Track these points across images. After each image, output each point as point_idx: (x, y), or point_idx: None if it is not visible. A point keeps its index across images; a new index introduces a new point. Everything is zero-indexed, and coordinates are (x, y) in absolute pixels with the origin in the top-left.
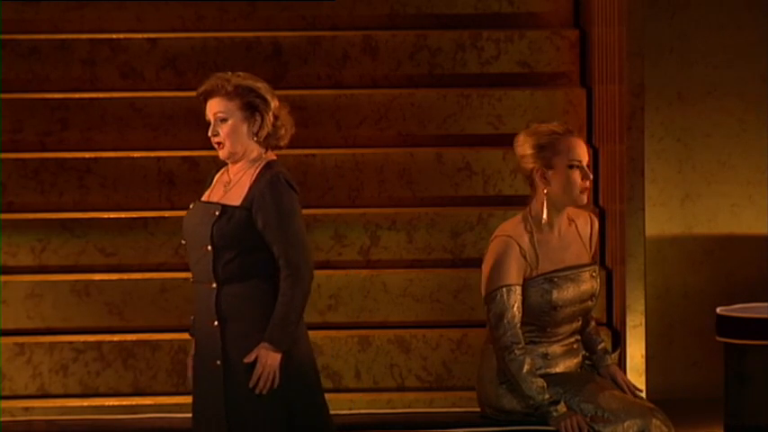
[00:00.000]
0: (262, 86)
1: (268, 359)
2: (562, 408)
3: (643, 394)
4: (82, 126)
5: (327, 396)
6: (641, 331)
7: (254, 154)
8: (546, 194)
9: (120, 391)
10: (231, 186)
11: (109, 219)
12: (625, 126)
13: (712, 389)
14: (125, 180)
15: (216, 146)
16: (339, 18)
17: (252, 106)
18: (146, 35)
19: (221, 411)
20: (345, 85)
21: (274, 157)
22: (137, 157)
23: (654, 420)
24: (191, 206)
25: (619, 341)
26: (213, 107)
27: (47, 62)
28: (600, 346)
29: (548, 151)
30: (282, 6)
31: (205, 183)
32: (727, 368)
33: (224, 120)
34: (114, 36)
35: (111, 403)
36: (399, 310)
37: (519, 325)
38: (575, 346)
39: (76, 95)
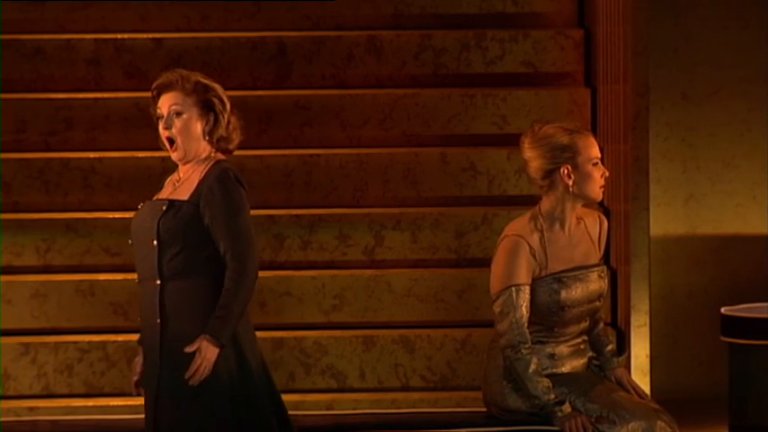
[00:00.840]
0: (218, 87)
1: (207, 352)
2: (567, 408)
3: (648, 393)
4: (86, 126)
5: (332, 396)
6: (646, 331)
7: (205, 154)
8: (570, 192)
9: (125, 391)
10: (180, 184)
11: (114, 219)
12: (630, 126)
13: (717, 389)
14: (130, 180)
15: (166, 143)
16: (344, 18)
17: (208, 105)
18: (150, 35)
19: (152, 409)
20: (350, 85)
21: (223, 157)
22: (141, 157)
23: (659, 422)
24: (139, 206)
25: (623, 341)
26: (169, 100)
27: (51, 62)
28: (608, 348)
29: (570, 151)
30: (287, 6)
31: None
32: (731, 368)
33: (179, 114)
34: (119, 36)
35: (115, 403)
36: (404, 309)
37: (526, 324)
38: (581, 346)
39: (81, 95)
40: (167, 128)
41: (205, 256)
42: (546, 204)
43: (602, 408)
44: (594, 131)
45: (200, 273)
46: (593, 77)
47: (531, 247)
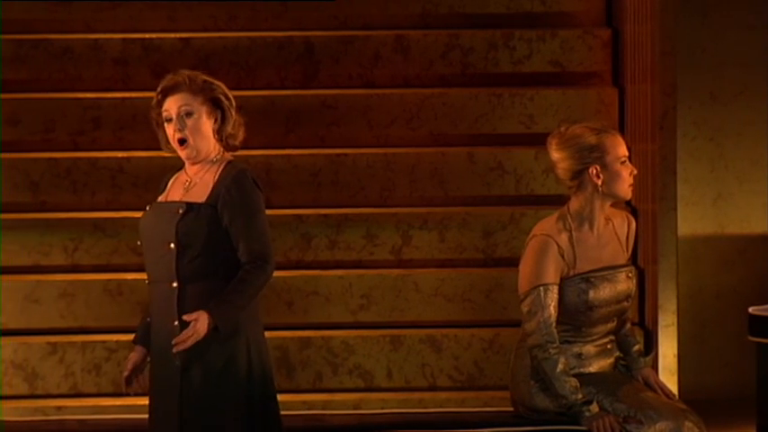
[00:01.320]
0: (223, 85)
1: (201, 326)
2: (594, 408)
3: (675, 393)
4: (114, 126)
5: (359, 396)
6: (673, 331)
7: (214, 154)
8: (600, 192)
9: None
10: (192, 186)
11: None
12: (657, 125)
13: (744, 389)
14: (157, 180)
15: (177, 144)
16: (371, 17)
17: (216, 103)
18: (178, 35)
19: (175, 412)
20: (377, 85)
21: (232, 158)
22: (168, 157)
23: (686, 422)
24: (147, 208)
25: (651, 341)
26: (178, 101)
27: (79, 62)
28: (635, 348)
29: (598, 151)
30: (314, 6)
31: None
32: (759, 368)
33: (189, 114)
34: (146, 36)
35: (143, 403)
36: (431, 309)
37: (554, 324)
38: (608, 346)
39: (109, 95)
40: (180, 129)
41: (223, 258)
42: (575, 204)
43: (630, 407)
44: (622, 131)
45: (218, 274)
46: (620, 77)
47: (559, 246)
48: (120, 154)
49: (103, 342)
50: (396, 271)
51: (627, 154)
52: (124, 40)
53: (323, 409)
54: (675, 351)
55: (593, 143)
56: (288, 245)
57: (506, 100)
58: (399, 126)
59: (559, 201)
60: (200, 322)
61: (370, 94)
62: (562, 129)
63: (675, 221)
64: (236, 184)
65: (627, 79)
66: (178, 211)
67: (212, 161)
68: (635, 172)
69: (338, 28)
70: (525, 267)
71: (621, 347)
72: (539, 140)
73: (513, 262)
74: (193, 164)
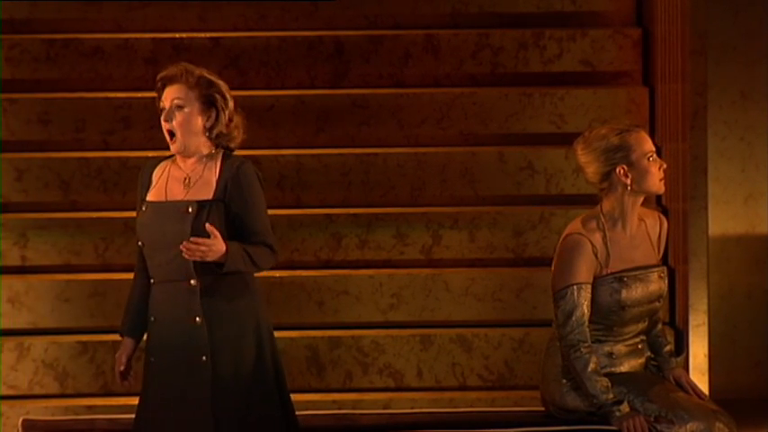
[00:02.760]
0: (222, 84)
1: (216, 251)
2: (625, 408)
3: (706, 394)
4: (144, 125)
5: (389, 395)
6: (704, 330)
7: (206, 150)
8: (630, 190)
9: None
10: (192, 182)
11: (154, 157)
12: (688, 125)
13: None
14: None
15: (166, 135)
16: (401, 17)
17: (210, 100)
18: (208, 34)
19: (206, 407)
20: (407, 84)
21: (224, 150)
22: None
23: (717, 423)
24: (143, 208)
25: (682, 341)
26: (172, 93)
27: (110, 61)
28: (666, 349)
29: (622, 150)
30: (345, 5)
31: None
32: None
33: (180, 107)
34: (177, 35)
35: None
36: (461, 309)
37: (587, 323)
38: (639, 346)
39: (139, 95)
40: (167, 120)
41: None
42: (606, 205)
43: (661, 408)
44: (653, 130)
45: None
46: (651, 76)
47: (593, 245)
48: (150, 153)
49: None
50: (426, 270)
51: (653, 149)
52: (154, 39)
53: (353, 408)
54: (706, 351)
55: (617, 143)
56: (318, 244)
57: (536, 99)
58: (430, 125)
59: (589, 200)
60: (217, 246)
61: (400, 94)
62: (586, 133)
63: (706, 221)
64: (243, 178)
65: (657, 78)
66: (188, 210)
67: (208, 156)
68: (665, 166)
69: (368, 27)
70: (558, 266)
71: (653, 348)
72: (569, 140)
73: (543, 261)
74: (186, 158)
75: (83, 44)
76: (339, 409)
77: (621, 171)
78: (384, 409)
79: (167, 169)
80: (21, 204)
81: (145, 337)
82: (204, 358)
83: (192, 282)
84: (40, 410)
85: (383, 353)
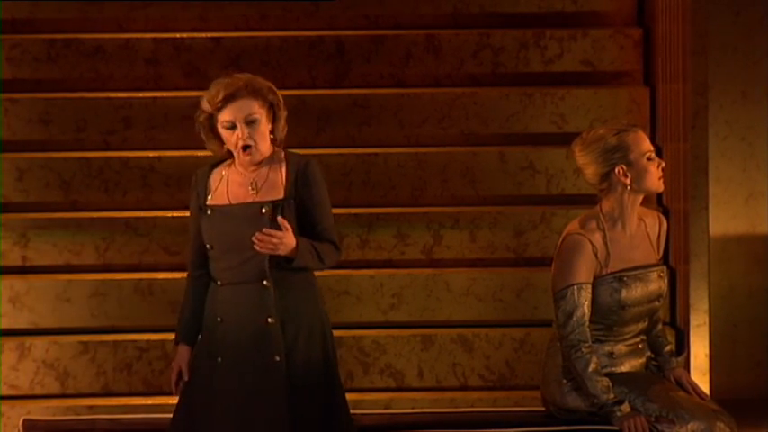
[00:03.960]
0: (273, 85)
1: (288, 245)
2: (626, 408)
3: (707, 393)
4: (145, 125)
5: (390, 395)
6: (705, 330)
7: (269, 152)
8: (630, 190)
9: None
10: (261, 185)
11: (172, 217)
12: (689, 125)
13: None
14: (188, 179)
15: (241, 149)
16: (402, 17)
17: (273, 106)
18: (209, 34)
19: (283, 407)
20: (408, 84)
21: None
22: (200, 156)
23: (718, 423)
24: (207, 212)
25: (682, 340)
26: (243, 108)
27: (111, 61)
28: (666, 349)
29: (621, 150)
30: (346, 5)
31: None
32: None
33: (253, 121)
34: (178, 35)
35: (174, 402)
36: (462, 309)
37: (587, 323)
38: (640, 345)
39: (140, 94)
40: (247, 136)
41: None
42: (606, 205)
43: (662, 408)
44: (653, 130)
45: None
46: (652, 76)
47: (593, 245)
48: (151, 153)
49: (135, 341)
50: (427, 270)
51: (651, 148)
52: (155, 39)
53: (354, 408)
54: (707, 351)
55: (615, 144)
56: None
57: (537, 99)
58: (430, 125)
59: (590, 200)
60: (288, 239)
61: (401, 94)
62: (583, 134)
63: (707, 221)
64: (311, 176)
65: (658, 79)
66: (262, 211)
67: (270, 157)
68: (663, 165)
69: (369, 27)
70: (558, 266)
71: (653, 348)
72: (570, 140)
73: (544, 261)
74: (252, 164)
75: (84, 44)
76: None
77: (620, 171)
78: (385, 409)
79: (226, 174)
80: (21, 204)
81: (200, 336)
82: (278, 358)
83: (265, 282)
84: (40, 410)
85: (384, 353)
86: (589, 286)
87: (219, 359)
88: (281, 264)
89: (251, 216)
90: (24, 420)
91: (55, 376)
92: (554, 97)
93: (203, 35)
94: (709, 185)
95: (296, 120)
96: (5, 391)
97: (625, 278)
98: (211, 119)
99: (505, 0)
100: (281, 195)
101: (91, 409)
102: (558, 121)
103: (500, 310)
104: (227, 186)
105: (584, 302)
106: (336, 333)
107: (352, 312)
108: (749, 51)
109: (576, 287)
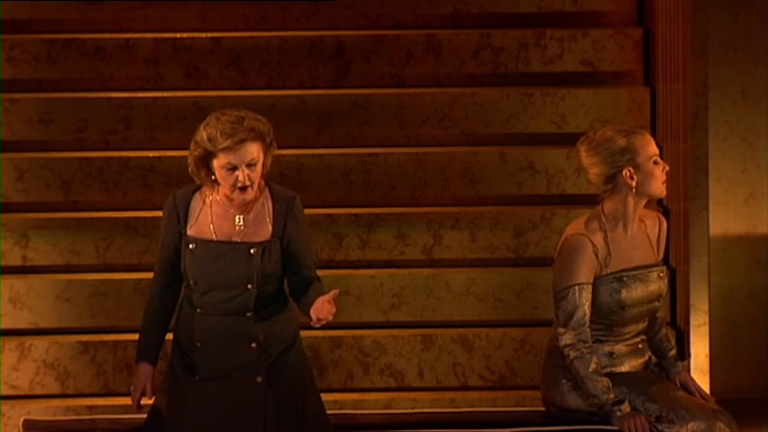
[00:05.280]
0: (268, 123)
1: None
2: (626, 408)
3: (712, 397)
4: (146, 125)
5: (390, 395)
6: (705, 331)
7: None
8: (635, 192)
9: None
10: (248, 222)
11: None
12: (689, 125)
13: None
14: (189, 179)
15: (239, 191)
16: (402, 17)
17: (269, 146)
18: (209, 34)
19: (260, 418)
20: (408, 84)
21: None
22: None
23: (718, 423)
24: (189, 246)
25: (683, 340)
26: (250, 152)
27: (111, 61)
28: (671, 353)
29: (629, 153)
30: (346, 5)
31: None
32: None
33: (254, 164)
34: (178, 35)
35: None
36: (462, 308)
37: (588, 324)
38: (640, 345)
39: (140, 94)
40: (247, 177)
41: (283, 282)
42: (609, 206)
43: (662, 407)
44: (654, 130)
45: (282, 295)
46: (652, 76)
47: (594, 246)
48: (151, 153)
49: (135, 341)
50: (427, 270)
51: (657, 152)
52: (155, 39)
53: (354, 408)
54: (707, 351)
55: (624, 146)
56: (319, 244)
57: (538, 99)
58: (431, 126)
59: (590, 200)
60: (329, 307)
61: (401, 94)
62: (590, 134)
63: (707, 221)
64: (298, 215)
65: (658, 79)
66: (250, 252)
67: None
68: (667, 168)
69: (369, 27)
70: (560, 266)
71: (657, 352)
72: (570, 140)
73: (544, 262)
74: (245, 202)
75: (84, 44)
76: (340, 409)
77: (628, 173)
78: (385, 409)
79: (209, 205)
80: (22, 204)
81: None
82: (259, 379)
83: (248, 314)
84: (41, 410)
85: (384, 353)
86: (590, 287)
87: (197, 377)
88: (265, 298)
89: (240, 256)
90: (24, 420)
91: (55, 376)
92: (554, 97)
93: (203, 35)
94: (710, 185)
95: (296, 120)
96: (5, 391)
97: (625, 278)
98: (209, 155)
99: (505, 0)
100: (268, 234)
101: (91, 409)
102: (558, 121)
103: (500, 310)
104: (211, 218)
105: (584, 303)
106: (336, 333)
107: (352, 312)
108: (749, 51)
109: (577, 287)
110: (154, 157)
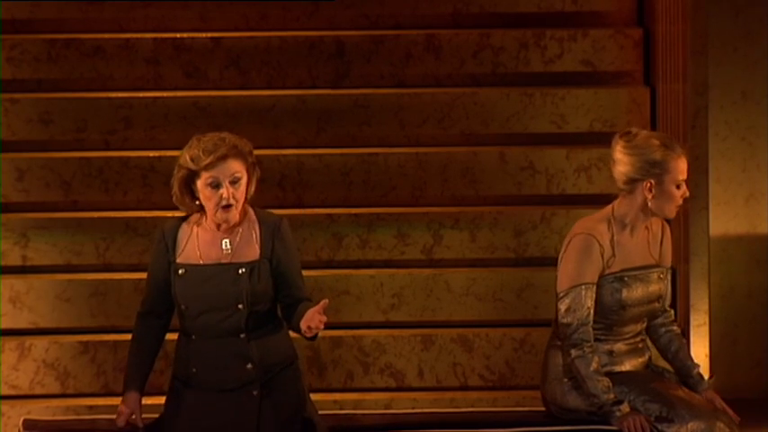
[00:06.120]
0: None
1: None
2: (626, 408)
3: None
4: (146, 125)
5: (390, 395)
6: (705, 330)
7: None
8: (648, 204)
9: None
10: (235, 245)
11: (172, 217)
12: (689, 125)
13: None
14: None
15: (222, 210)
16: (402, 17)
17: (252, 167)
18: (209, 34)
19: (254, 418)
20: (408, 84)
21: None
22: None
23: (718, 423)
24: (179, 272)
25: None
26: (232, 167)
27: (111, 61)
28: (695, 371)
29: (660, 168)
30: (346, 5)
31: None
32: None
33: (237, 180)
34: (178, 35)
35: None
36: (462, 309)
37: (591, 323)
38: (639, 345)
39: (140, 94)
40: (231, 195)
41: (275, 304)
42: (620, 209)
43: (662, 407)
44: (653, 130)
45: (274, 315)
46: (652, 76)
47: (601, 246)
48: (151, 153)
49: None
50: (427, 270)
51: (685, 177)
52: (155, 39)
53: (354, 408)
54: (707, 351)
55: (658, 159)
56: (319, 244)
57: (538, 99)
58: (431, 126)
59: (590, 200)
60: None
61: (401, 94)
62: (633, 131)
63: (707, 221)
64: (285, 237)
65: (658, 79)
66: (239, 272)
67: (242, 216)
68: (687, 195)
69: (369, 27)
70: (567, 265)
71: (681, 371)
72: (570, 140)
73: (544, 261)
74: (229, 223)
75: (84, 44)
76: (340, 409)
77: (648, 185)
78: (385, 409)
79: (196, 232)
80: (22, 204)
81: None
82: (255, 393)
83: (242, 335)
84: (41, 410)
85: (384, 353)
86: (594, 286)
87: (191, 389)
88: (258, 319)
89: (229, 276)
90: (24, 420)
91: (55, 376)
92: (554, 97)
93: (203, 35)
94: (710, 185)
95: (296, 119)
96: (5, 391)
97: (626, 278)
98: (192, 176)
99: (505, 0)
100: (256, 255)
101: (91, 408)
102: (558, 121)
103: (500, 310)
104: (198, 245)
105: (589, 302)
106: (336, 333)
107: (352, 312)
108: (749, 51)
109: (583, 287)
110: (154, 157)
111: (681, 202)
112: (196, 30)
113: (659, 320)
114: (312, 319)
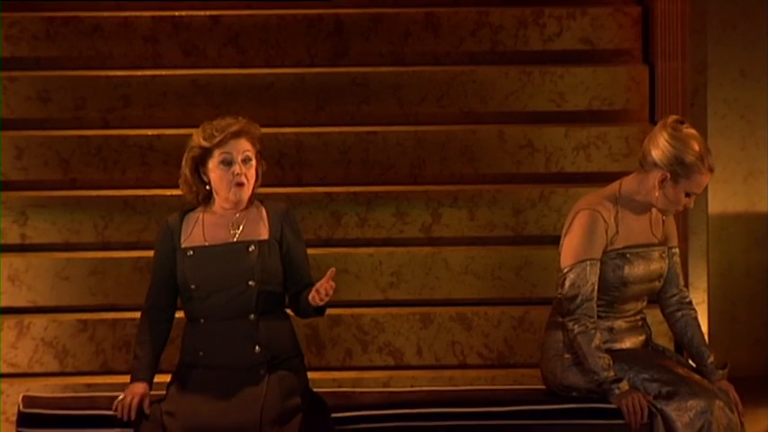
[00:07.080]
0: None
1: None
2: (624, 386)
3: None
4: (144, 103)
5: (389, 373)
6: (704, 309)
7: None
8: (654, 194)
9: None
10: (242, 227)
11: (171, 196)
12: (688, 103)
13: None
14: None
15: (236, 187)
16: None
17: (260, 155)
18: (208, 12)
19: (257, 410)
20: (407, 63)
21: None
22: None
23: (717, 402)
24: (188, 254)
25: None
26: (242, 145)
27: (109, 39)
28: (710, 360)
29: (683, 170)
30: None
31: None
32: None
33: (249, 160)
34: (176, 13)
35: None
36: (461, 287)
37: (595, 299)
38: (639, 323)
39: (139, 73)
40: (244, 173)
41: (283, 288)
42: (630, 185)
43: (662, 385)
44: (652, 108)
45: (281, 304)
46: (651, 54)
47: (606, 222)
48: (150, 131)
49: (134, 319)
50: (426, 249)
51: (699, 192)
52: (154, 17)
53: (353, 386)
54: (706, 329)
55: (688, 163)
56: (318, 222)
57: (536, 77)
58: (429, 104)
59: (589, 179)
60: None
61: (400, 72)
62: (685, 124)
63: (706, 199)
64: (293, 222)
65: (657, 57)
66: (248, 249)
67: (249, 201)
68: (691, 205)
69: (368, 5)
70: (572, 240)
71: (696, 358)
72: (569, 118)
73: (542, 240)
74: (231, 206)
75: (82, 22)
76: (339, 387)
77: (663, 177)
78: (384, 387)
79: (199, 218)
80: (20, 182)
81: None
82: (262, 372)
83: (252, 316)
84: (39, 388)
85: (383, 331)
86: (599, 263)
87: (199, 374)
88: (267, 299)
89: (238, 254)
90: (24, 397)
91: (54, 354)
92: (553, 75)
93: (202, 13)
94: None
95: (295, 98)
96: (5, 369)
97: (628, 255)
98: (204, 156)
99: None
100: (266, 235)
101: (90, 387)
102: (556, 100)
103: (499, 288)
104: (203, 229)
105: (593, 278)
106: (335, 311)
107: (350, 290)
108: (748, 30)
109: (588, 263)
110: (152, 136)
111: (681, 209)
112: (194, 8)
113: (675, 300)
114: (321, 286)
